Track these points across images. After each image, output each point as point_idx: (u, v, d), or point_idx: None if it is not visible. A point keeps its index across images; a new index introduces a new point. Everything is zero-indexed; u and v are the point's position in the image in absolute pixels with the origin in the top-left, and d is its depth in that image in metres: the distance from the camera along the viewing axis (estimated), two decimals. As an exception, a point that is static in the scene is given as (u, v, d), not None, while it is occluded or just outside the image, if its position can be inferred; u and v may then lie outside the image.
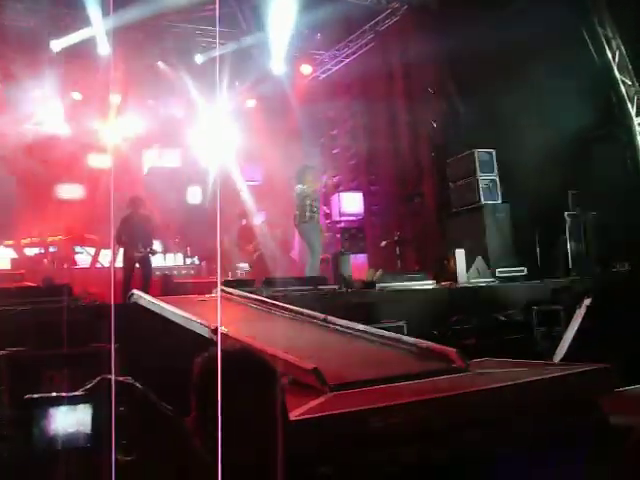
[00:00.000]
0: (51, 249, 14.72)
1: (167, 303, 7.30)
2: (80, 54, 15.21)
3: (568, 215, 11.67)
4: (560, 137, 11.63)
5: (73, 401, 1.96)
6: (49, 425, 1.97)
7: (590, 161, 11.82)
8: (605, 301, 8.30)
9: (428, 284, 10.62)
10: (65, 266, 14.36)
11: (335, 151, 19.14)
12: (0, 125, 15.46)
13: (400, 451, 3.24)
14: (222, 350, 2.07)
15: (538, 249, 12.09)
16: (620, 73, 12.62)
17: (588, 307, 7.81)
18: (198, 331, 5.79)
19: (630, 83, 12.65)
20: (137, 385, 1.97)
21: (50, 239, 14.58)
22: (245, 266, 14.62)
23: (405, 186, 16.42)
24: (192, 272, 15.06)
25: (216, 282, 10.72)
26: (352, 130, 18.56)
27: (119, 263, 11.64)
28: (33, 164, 14.98)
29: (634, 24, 11.94)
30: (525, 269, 11.45)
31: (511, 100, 11.63)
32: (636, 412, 4.06)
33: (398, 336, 5.44)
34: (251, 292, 8.27)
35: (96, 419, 1.92)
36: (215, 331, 5.32)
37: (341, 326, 6.07)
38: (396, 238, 14.99)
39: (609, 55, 12.61)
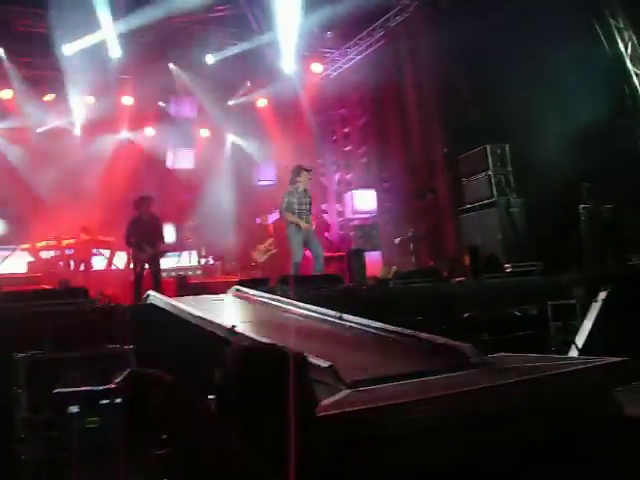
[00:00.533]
0: (67, 252, 14.79)
1: (183, 303, 7.33)
2: (92, 57, 15.29)
3: (582, 208, 11.62)
4: (573, 130, 11.60)
5: (103, 395, 1.96)
6: (79, 420, 1.98)
7: (603, 153, 11.75)
8: (621, 294, 8.28)
9: (442, 280, 10.62)
10: (82, 268, 14.45)
11: (347, 149, 19.14)
12: (14, 129, 15.62)
13: (417, 448, 3.25)
14: (248, 349, 2.08)
15: (552, 243, 12.04)
16: (633, 64, 12.57)
17: (604, 300, 7.79)
18: (214, 331, 5.81)
19: (643, 74, 12.61)
20: (168, 378, 1.96)
21: (66, 242, 14.65)
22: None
23: (418, 182, 16.41)
24: (207, 272, 15.11)
25: (231, 282, 10.75)
26: (364, 127, 18.57)
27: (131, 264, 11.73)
28: (47, 167, 15.05)
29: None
30: (540, 263, 11.40)
31: (523, 94, 11.60)
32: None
33: (413, 332, 5.42)
34: (266, 291, 8.28)
35: (127, 413, 1.92)
36: (231, 331, 5.34)
37: (356, 324, 6.06)
38: (410, 235, 14.99)
39: (621, 47, 12.56)
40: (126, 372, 1.97)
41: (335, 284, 9.69)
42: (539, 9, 11.55)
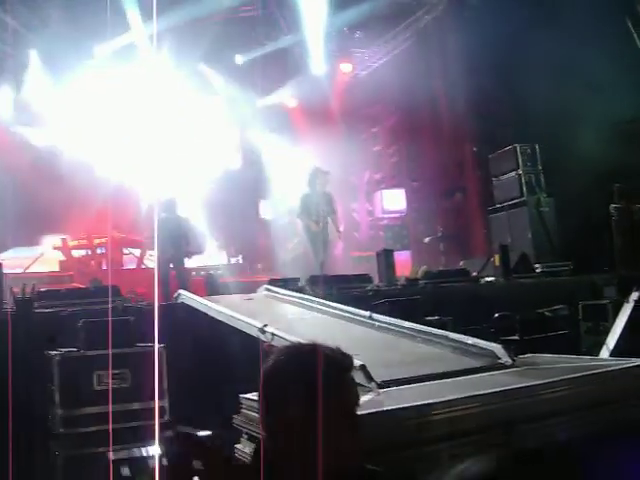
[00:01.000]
0: (98, 251, 14.92)
1: (213, 302, 7.39)
2: (123, 59, 15.47)
3: (613, 208, 11.52)
4: (604, 128, 11.51)
5: (152, 457, 2.03)
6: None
7: (635, 153, 11.65)
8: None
9: (472, 280, 10.60)
10: (113, 267, 14.59)
11: (376, 148, 19.13)
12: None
13: (449, 448, 3.27)
14: (297, 349, 2.09)
15: (583, 243, 11.95)
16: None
17: (636, 301, 7.72)
18: (246, 330, 5.86)
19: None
20: (214, 441, 1.98)
21: (97, 241, 14.78)
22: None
23: (447, 182, 16.38)
24: (236, 271, 15.16)
25: (260, 281, 10.81)
26: (393, 127, 18.55)
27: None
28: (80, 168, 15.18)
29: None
30: (570, 263, 11.33)
31: (554, 92, 11.53)
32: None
33: (444, 333, 5.44)
34: (296, 291, 8.33)
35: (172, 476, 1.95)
36: (262, 330, 5.39)
37: (386, 323, 6.09)
38: (439, 234, 14.97)
39: (654, 42, 12.44)
40: (174, 434, 2.01)
41: (365, 284, 9.71)
42: (569, 6, 11.47)
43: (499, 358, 4.65)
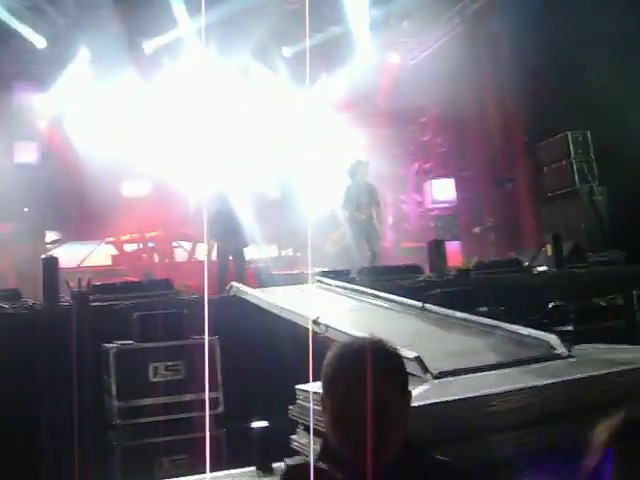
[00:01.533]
0: (149, 244, 15.12)
1: (265, 294, 7.43)
2: (172, 54, 15.62)
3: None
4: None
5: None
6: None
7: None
8: None
9: (524, 270, 10.50)
10: (166, 260, 14.77)
11: (425, 138, 19.01)
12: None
13: (506, 439, 3.25)
14: (360, 344, 2.11)
15: (637, 232, 11.75)
16: None
17: (692, 290, 7.59)
18: (299, 322, 5.88)
19: None
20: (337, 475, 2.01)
21: (148, 235, 14.96)
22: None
23: (497, 171, 16.21)
24: (286, 263, 15.21)
25: (313, 273, 10.84)
26: (442, 116, 18.41)
27: (213, 257, 11.91)
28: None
29: None
30: (623, 253, 11.16)
31: (606, 78, 11.34)
32: None
33: (497, 323, 5.40)
34: (347, 282, 8.33)
35: None
36: (315, 321, 5.40)
37: (439, 314, 6.07)
38: (490, 224, 14.84)
39: None
40: (296, 463, 2.06)
41: (416, 274, 9.69)
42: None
43: (555, 349, 4.60)
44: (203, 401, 6.03)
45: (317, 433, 3.58)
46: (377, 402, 1.92)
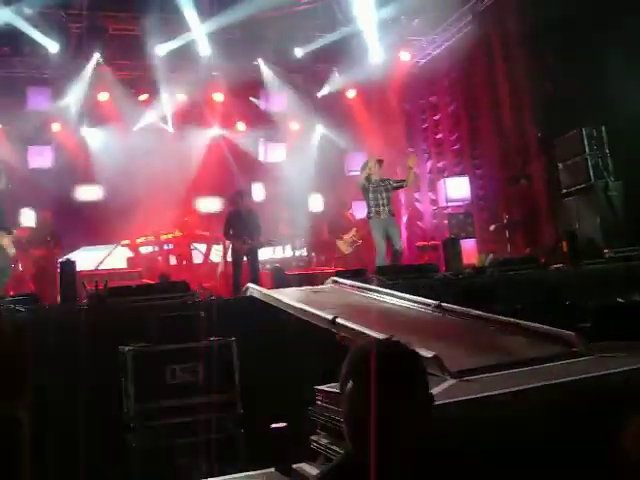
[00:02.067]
0: (165, 247, 15.16)
1: (282, 295, 7.43)
2: (183, 57, 15.70)
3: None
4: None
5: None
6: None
7: None
8: None
9: (540, 267, 10.45)
10: (184, 262, 14.82)
11: (438, 136, 18.95)
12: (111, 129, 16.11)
13: (525, 437, 3.23)
14: (379, 347, 2.11)
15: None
16: None
17: None
18: (316, 322, 5.87)
19: None
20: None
21: (164, 237, 15.01)
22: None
23: (511, 168, 16.14)
24: (302, 263, 15.23)
25: (328, 273, 10.84)
26: (454, 114, 18.36)
27: (229, 257, 11.94)
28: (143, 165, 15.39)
29: None
30: (640, 248, 11.10)
31: (620, 73, 11.27)
32: None
33: (514, 320, 5.37)
34: (363, 282, 8.32)
35: None
36: (334, 322, 5.39)
37: (455, 312, 6.05)
38: (505, 221, 14.79)
39: None
40: (329, 468, 2.07)
41: (432, 273, 9.67)
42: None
43: (573, 346, 4.58)
44: (220, 403, 6.05)
45: (337, 434, 3.58)
46: (390, 404, 1.93)
